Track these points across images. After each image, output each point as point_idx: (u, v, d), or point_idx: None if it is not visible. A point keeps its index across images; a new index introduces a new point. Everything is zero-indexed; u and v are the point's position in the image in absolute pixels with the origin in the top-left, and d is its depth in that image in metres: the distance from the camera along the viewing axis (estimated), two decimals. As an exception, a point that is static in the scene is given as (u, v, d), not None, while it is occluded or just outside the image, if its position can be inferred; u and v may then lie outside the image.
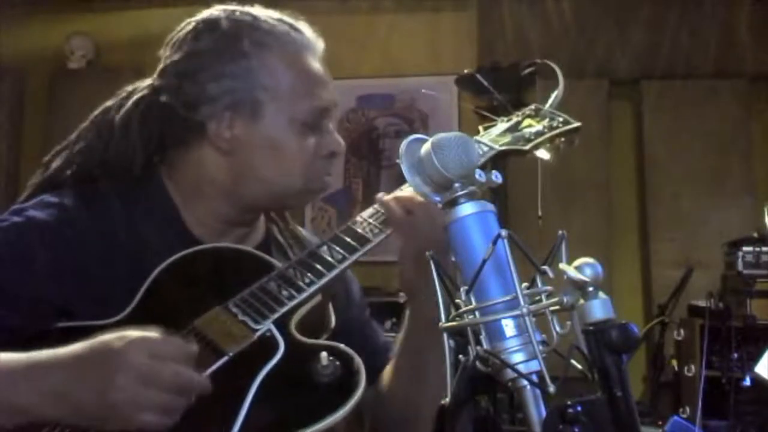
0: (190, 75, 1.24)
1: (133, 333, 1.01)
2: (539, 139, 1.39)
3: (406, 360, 1.30)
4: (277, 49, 1.26)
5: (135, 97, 1.30)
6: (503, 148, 1.37)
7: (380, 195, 1.30)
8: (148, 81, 1.31)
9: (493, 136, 1.39)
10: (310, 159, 1.27)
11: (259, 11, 1.30)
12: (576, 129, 1.41)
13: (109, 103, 1.32)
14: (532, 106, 1.46)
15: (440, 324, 0.88)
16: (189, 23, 1.29)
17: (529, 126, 1.41)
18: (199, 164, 1.28)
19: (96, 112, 1.32)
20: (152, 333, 1.01)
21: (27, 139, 5.08)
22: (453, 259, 0.89)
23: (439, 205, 0.91)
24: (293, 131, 1.25)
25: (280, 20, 1.29)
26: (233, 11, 1.29)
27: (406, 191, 1.27)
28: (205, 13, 1.29)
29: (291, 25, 1.30)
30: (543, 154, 1.42)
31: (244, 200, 1.29)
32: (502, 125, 1.44)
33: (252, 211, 1.33)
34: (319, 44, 1.32)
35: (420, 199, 1.20)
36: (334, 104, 1.31)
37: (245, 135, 1.25)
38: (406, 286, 1.26)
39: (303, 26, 1.32)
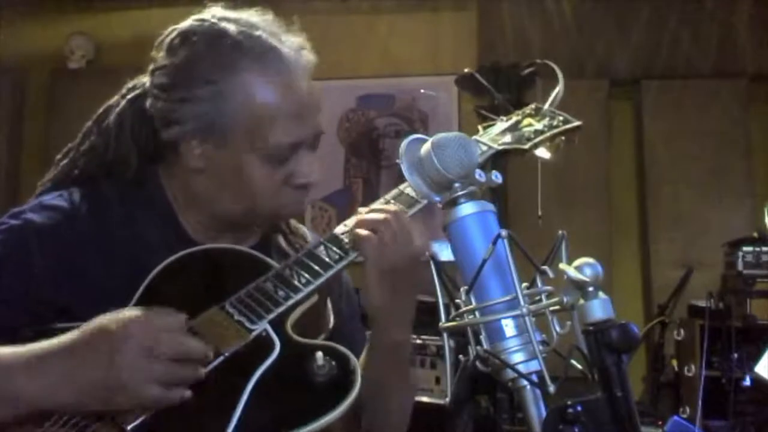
0: (164, 90, 1.22)
1: (127, 311, 1.04)
2: (539, 138, 1.38)
3: (368, 380, 1.27)
4: (250, 72, 1.19)
5: (130, 96, 1.30)
6: (503, 147, 1.36)
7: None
8: (145, 78, 1.29)
9: (493, 135, 1.39)
10: (277, 188, 1.23)
11: (242, 24, 1.23)
12: (576, 128, 1.40)
13: (111, 101, 1.32)
14: (533, 105, 1.46)
15: (440, 324, 0.88)
16: (173, 30, 1.26)
17: (529, 125, 1.41)
18: (183, 176, 1.27)
19: (99, 111, 1.32)
20: (146, 309, 1.05)
21: (27, 139, 5.08)
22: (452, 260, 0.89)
23: (439, 205, 0.91)
24: (260, 161, 1.21)
25: (259, 37, 1.21)
26: (213, 24, 1.22)
27: (379, 206, 1.24)
28: (186, 23, 1.25)
29: (270, 46, 1.21)
30: (543, 153, 1.43)
31: (221, 215, 1.28)
32: (501, 124, 1.43)
33: (234, 224, 1.30)
34: (305, 60, 1.24)
35: (388, 217, 1.19)
36: (313, 133, 1.24)
37: (213, 158, 1.22)
38: (371, 305, 1.21)
39: (288, 40, 1.24)
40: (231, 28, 1.22)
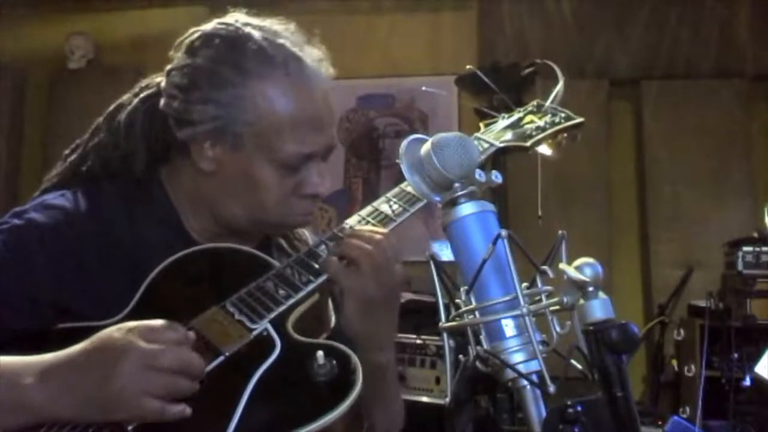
0: (181, 91, 1.22)
1: (133, 323, 1.03)
2: (541, 135, 1.38)
3: None
4: (269, 81, 1.20)
5: (143, 94, 1.30)
6: (505, 144, 1.36)
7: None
8: (159, 78, 1.29)
9: (494, 133, 1.39)
10: (286, 197, 1.23)
11: (268, 30, 1.23)
12: (579, 124, 1.40)
13: (123, 98, 1.32)
14: (534, 102, 1.45)
15: (440, 324, 0.88)
16: (195, 32, 1.25)
17: (531, 122, 1.40)
18: (190, 178, 1.27)
19: (110, 108, 1.32)
20: (151, 321, 1.03)
21: (27, 139, 5.08)
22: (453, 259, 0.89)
23: (439, 205, 0.91)
24: (272, 169, 1.21)
25: (281, 45, 1.22)
26: (236, 29, 1.23)
27: (359, 231, 1.21)
28: (209, 26, 1.25)
29: (293, 55, 1.22)
30: (545, 150, 1.42)
31: (225, 220, 1.28)
32: (503, 121, 1.43)
33: (239, 230, 1.30)
34: (324, 73, 1.25)
35: (369, 248, 1.16)
36: (325, 146, 1.24)
37: (224, 161, 1.22)
38: (351, 332, 1.18)
39: (308, 52, 1.24)
40: (255, 33, 1.22)
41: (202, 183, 1.26)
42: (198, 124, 1.21)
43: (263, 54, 1.21)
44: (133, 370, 0.98)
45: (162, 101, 1.25)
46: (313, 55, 1.25)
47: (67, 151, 1.33)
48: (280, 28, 1.25)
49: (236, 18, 1.25)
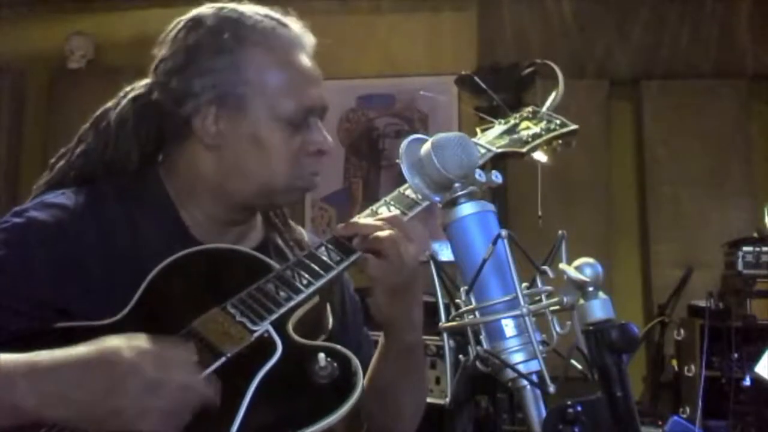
0: (177, 71, 1.25)
1: (142, 341, 1.02)
2: (536, 142, 1.40)
3: (382, 382, 1.31)
4: (262, 44, 1.25)
5: (131, 95, 1.31)
6: (500, 150, 1.37)
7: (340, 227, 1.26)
8: (145, 80, 1.31)
9: (491, 139, 1.40)
10: (294, 156, 1.26)
11: (246, 8, 1.29)
12: (573, 131, 1.42)
13: (108, 104, 1.33)
14: (530, 108, 1.47)
15: (440, 324, 0.88)
16: (179, 22, 1.29)
17: (527, 128, 1.42)
18: (191, 161, 1.28)
19: (96, 114, 1.33)
20: (160, 341, 1.02)
21: (27, 139, 5.09)
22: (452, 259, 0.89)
23: (439, 205, 0.91)
24: (278, 128, 1.24)
25: (266, 16, 1.29)
26: (220, 8, 1.28)
27: (380, 217, 1.24)
28: (194, 11, 1.29)
29: (278, 21, 1.29)
30: (540, 156, 1.44)
31: (232, 198, 1.28)
32: (499, 127, 1.45)
33: (243, 210, 1.31)
34: (308, 39, 1.31)
35: (391, 234, 1.19)
36: (322, 102, 1.29)
37: (230, 130, 1.25)
38: (383, 317, 1.24)
39: (291, 22, 1.31)
40: (239, 8, 1.29)
41: (206, 163, 1.27)
42: (200, 95, 1.24)
43: (250, 23, 1.27)
44: (138, 392, 0.97)
45: (155, 95, 1.27)
46: (295, 22, 1.32)
47: (53, 160, 1.33)
48: (257, 7, 1.31)
49: (211, 5, 1.30)
